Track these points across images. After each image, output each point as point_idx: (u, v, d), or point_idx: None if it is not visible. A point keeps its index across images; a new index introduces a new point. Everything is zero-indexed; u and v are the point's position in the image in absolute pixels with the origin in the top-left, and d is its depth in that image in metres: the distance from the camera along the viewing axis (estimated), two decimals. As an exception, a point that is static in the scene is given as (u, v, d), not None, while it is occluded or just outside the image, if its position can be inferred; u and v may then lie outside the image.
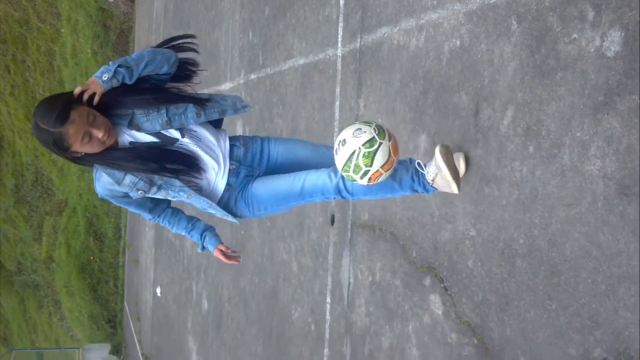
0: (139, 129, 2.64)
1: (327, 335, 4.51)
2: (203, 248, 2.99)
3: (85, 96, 2.49)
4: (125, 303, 16.88)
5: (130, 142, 2.66)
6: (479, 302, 2.94)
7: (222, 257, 2.93)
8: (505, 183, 2.78)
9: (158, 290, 11.21)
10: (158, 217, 2.96)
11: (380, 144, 2.52)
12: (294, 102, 5.29)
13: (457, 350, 3.07)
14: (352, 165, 2.54)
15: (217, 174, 2.80)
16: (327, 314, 4.52)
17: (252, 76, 6.40)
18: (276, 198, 2.84)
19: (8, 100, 22.26)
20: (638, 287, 2.16)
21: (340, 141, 2.58)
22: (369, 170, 2.55)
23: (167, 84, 2.80)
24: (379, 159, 2.53)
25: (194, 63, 2.91)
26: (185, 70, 2.88)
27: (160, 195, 2.77)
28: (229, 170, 2.83)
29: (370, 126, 2.57)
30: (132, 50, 16.17)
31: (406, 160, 2.86)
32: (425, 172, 2.76)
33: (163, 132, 2.69)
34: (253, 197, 2.85)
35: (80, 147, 2.50)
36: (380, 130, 2.55)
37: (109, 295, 18.21)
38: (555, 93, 2.52)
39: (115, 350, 17.67)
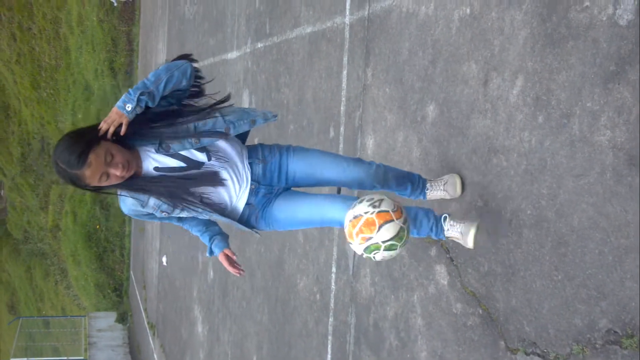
0: (168, 150, 2.59)
1: (332, 305, 4.53)
2: (211, 252, 2.95)
3: (111, 130, 2.45)
4: (131, 272, 17.02)
5: (155, 168, 2.62)
6: (484, 272, 2.94)
7: (225, 263, 2.90)
8: (514, 153, 2.76)
9: (164, 259, 11.28)
10: (182, 224, 2.98)
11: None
12: (300, 71, 5.26)
13: (462, 320, 3.08)
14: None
15: (237, 195, 2.78)
16: (332, 283, 4.53)
17: (259, 45, 6.35)
18: (295, 223, 2.90)
19: (14, 68, 22.23)
20: (646, 258, 2.15)
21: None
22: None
23: (185, 101, 2.73)
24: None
25: (202, 76, 2.79)
26: (197, 86, 2.77)
27: (183, 214, 2.76)
28: (250, 190, 2.80)
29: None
30: (138, 19, 16.07)
31: (430, 211, 2.95)
32: (445, 229, 2.91)
33: (189, 156, 2.63)
34: (273, 220, 2.88)
35: (99, 184, 2.50)
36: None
37: (114, 264, 18.35)
38: (566, 62, 2.49)
39: (121, 318, 17.87)
